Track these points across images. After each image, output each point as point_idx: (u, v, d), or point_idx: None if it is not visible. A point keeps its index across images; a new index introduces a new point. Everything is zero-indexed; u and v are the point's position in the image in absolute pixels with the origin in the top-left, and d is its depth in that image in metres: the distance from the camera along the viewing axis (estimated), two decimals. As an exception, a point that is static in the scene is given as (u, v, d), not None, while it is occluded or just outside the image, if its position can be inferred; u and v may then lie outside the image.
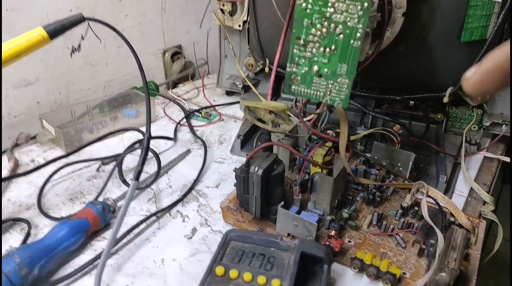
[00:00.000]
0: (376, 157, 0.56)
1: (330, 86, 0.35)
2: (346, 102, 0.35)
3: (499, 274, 1.31)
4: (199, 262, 0.44)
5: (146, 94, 0.43)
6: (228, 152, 0.65)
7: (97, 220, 0.47)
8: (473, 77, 0.23)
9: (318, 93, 0.36)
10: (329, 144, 0.51)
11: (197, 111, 0.76)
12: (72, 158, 0.61)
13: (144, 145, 0.44)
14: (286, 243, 0.40)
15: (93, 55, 0.79)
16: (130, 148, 0.54)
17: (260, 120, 0.50)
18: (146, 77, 0.87)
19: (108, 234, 0.48)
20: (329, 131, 0.55)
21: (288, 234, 0.45)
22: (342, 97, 0.35)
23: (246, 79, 0.71)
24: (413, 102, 0.62)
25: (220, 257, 0.39)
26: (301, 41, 0.35)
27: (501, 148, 0.66)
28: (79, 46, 0.76)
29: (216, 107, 0.79)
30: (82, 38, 0.76)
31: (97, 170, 0.60)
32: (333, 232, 0.45)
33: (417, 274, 0.41)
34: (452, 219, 0.47)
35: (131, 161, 0.62)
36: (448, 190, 0.55)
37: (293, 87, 0.36)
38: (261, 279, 0.36)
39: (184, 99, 0.83)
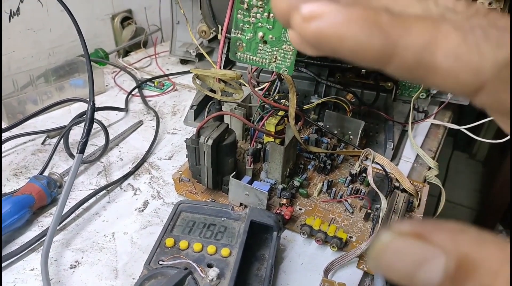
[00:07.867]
0: (328, 126, 0.57)
1: (275, 53, 0.34)
2: (291, 70, 0.35)
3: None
4: (150, 234, 0.44)
5: (87, 58, 0.41)
6: (182, 123, 0.64)
7: (42, 195, 0.45)
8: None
9: (264, 60, 0.35)
10: (281, 113, 0.51)
11: (150, 80, 0.73)
12: (15, 131, 0.58)
13: (87, 115, 0.42)
14: (237, 213, 0.41)
15: (34, 19, 0.74)
16: (77, 120, 0.51)
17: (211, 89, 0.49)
18: (94, 44, 0.84)
19: (55, 209, 0.46)
20: (282, 101, 0.55)
21: (241, 204, 0.46)
22: (287, 64, 0.35)
23: (199, 46, 0.69)
24: (364, 71, 0.62)
25: (170, 228, 0.39)
26: (245, 6, 0.34)
27: (447, 115, 0.69)
28: (18, 9, 0.70)
29: (170, 77, 0.77)
30: (21, 1, 0.70)
31: (43, 143, 0.57)
32: (284, 201, 0.46)
33: (363, 238, 0.43)
34: (397, 184, 0.49)
35: (79, 134, 0.59)
36: (395, 156, 0.57)
37: (239, 53, 0.36)
38: (211, 249, 0.37)
39: (136, 68, 0.79)
